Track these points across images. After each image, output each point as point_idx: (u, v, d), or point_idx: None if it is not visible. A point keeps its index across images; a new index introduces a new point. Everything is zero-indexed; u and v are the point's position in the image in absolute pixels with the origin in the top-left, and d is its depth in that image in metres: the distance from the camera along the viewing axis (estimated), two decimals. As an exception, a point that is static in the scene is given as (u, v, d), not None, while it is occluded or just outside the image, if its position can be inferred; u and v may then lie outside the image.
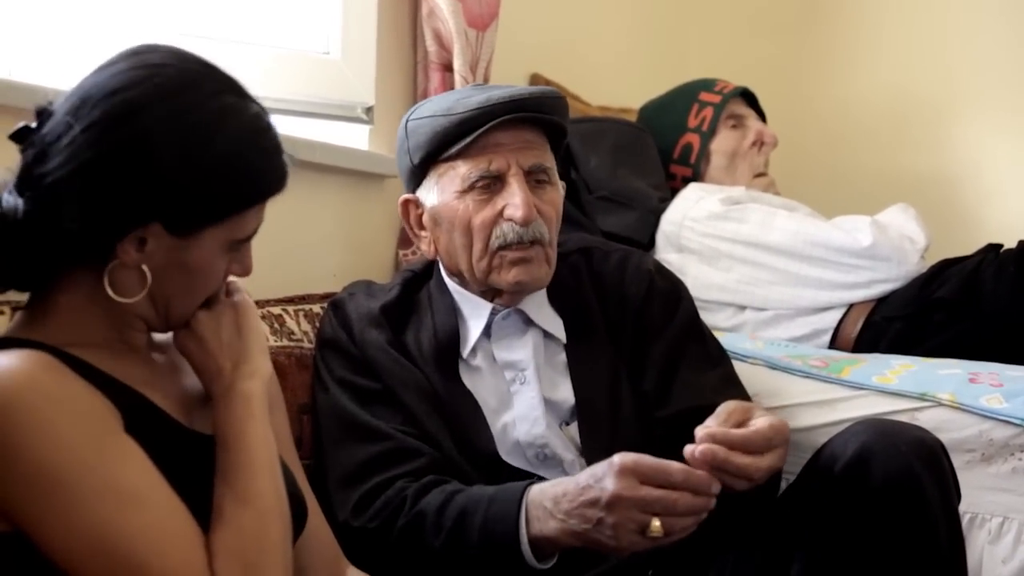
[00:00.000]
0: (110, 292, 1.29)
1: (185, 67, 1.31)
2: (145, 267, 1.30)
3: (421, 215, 1.85)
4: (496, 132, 1.75)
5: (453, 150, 1.76)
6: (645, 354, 1.83)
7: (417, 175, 1.83)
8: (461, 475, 1.69)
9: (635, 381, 1.82)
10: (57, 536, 1.18)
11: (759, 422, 1.49)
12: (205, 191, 1.28)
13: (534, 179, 1.78)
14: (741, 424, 1.50)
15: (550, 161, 1.82)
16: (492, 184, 1.76)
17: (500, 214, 1.76)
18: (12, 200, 1.27)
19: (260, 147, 1.33)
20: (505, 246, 1.76)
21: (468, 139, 1.74)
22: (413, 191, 1.85)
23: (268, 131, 1.35)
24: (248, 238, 1.38)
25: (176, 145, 1.26)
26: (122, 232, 1.27)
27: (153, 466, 1.23)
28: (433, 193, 1.81)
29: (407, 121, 1.83)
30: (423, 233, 1.86)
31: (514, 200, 1.75)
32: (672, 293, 1.90)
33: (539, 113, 1.77)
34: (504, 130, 1.75)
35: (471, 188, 1.77)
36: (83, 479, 1.18)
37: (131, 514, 1.19)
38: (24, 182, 1.27)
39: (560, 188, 1.85)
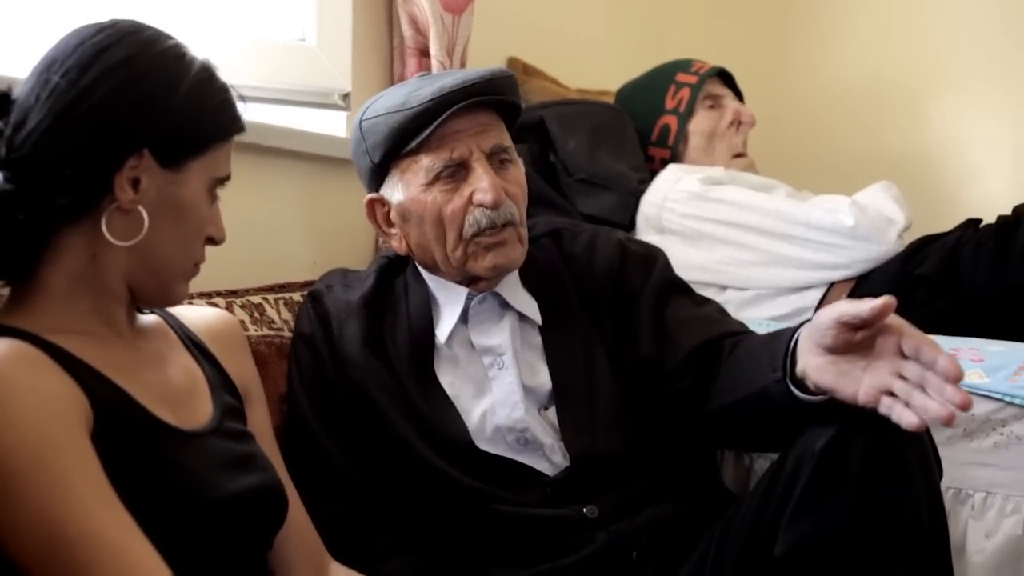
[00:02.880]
0: (109, 237, 1.31)
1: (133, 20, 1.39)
2: (141, 208, 1.32)
3: (388, 212, 1.84)
4: (453, 120, 1.74)
5: (413, 144, 1.76)
6: (633, 317, 1.83)
7: (378, 174, 1.83)
8: (431, 471, 1.71)
9: (627, 354, 1.81)
10: (7, 529, 1.18)
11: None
12: (187, 113, 1.34)
13: (496, 160, 1.79)
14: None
15: (508, 140, 1.82)
16: (456, 172, 1.76)
17: (469, 201, 1.76)
18: None
19: (221, 84, 1.40)
20: (479, 233, 1.76)
21: (427, 131, 1.74)
22: (376, 190, 1.85)
23: (217, 74, 1.41)
24: (225, 179, 1.42)
25: (153, 70, 1.33)
26: (118, 160, 1.30)
27: (105, 478, 1.22)
28: (398, 190, 1.81)
29: (360, 121, 1.82)
30: (392, 231, 1.85)
31: (481, 185, 1.75)
32: (647, 256, 1.91)
33: (492, 95, 1.77)
34: (460, 117, 1.75)
35: (436, 179, 1.76)
36: (36, 476, 1.17)
37: (76, 519, 1.18)
38: (2, 156, 1.29)
39: (521, 165, 1.85)
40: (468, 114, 1.76)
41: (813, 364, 1.47)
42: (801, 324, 1.54)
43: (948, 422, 1.33)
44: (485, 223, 1.76)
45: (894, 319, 1.41)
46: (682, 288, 1.90)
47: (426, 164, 1.77)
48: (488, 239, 1.76)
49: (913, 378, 1.38)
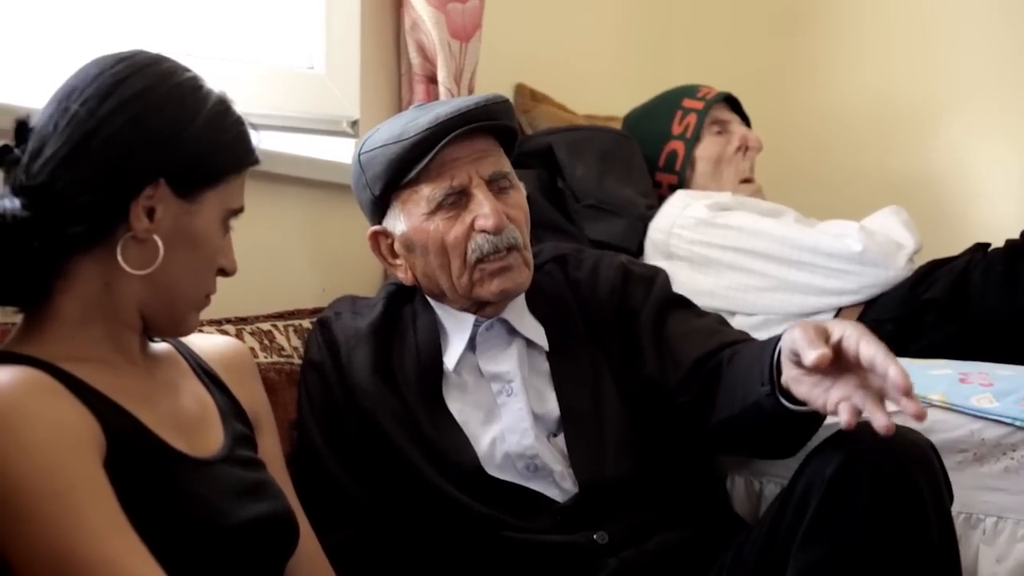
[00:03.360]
0: (124, 265, 1.32)
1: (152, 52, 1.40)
2: (156, 238, 1.33)
3: (392, 244, 1.85)
4: (450, 148, 1.75)
5: (412, 174, 1.77)
6: (636, 336, 1.83)
7: (380, 206, 1.84)
8: (441, 498, 1.71)
9: (633, 375, 1.81)
10: (20, 557, 1.18)
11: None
12: (203, 145, 1.35)
13: (496, 186, 1.79)
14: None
15: (507, 165, 1.83)
16: (458, 200, 1.77)
17: (471, 227, 1.76)
18: (8, 203, 1.29)
19: (237, 116, 1.41)
20: (482, 258, 1.77)
21: (424, 160, 1.75)
22: (379, 222, 1.86)
23: (233, 107, 1.42)
24: (239, 211, 1.43)
25: (170, 102, 1.34)
26: (134, 189, 1.31)
27: (118, 506, 1.22)
28: (400, 221, 1.81)
29: (359, 155, 1.83)
30: (397, 262, 1.86)
31: (483, 211, 1.75)
32: (647, 276, 1.91)
33: (488, 121, 1.78)
34: (457, 144, 1.76)
35: (438, 208, 1.77)
36: (49, 503, 1.18)
37: (89, 546, 1.18)
38: (19, 183, 1.30)
39: (522, 189, 1.86)
40: (465, 141, 1.77)
41: (791, 376, 1.48)
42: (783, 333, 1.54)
43: (887, 431, 1.35)
44: (488, 248, 1.76)
45: (852, 332, 1.40)
46: (682, 303, 1.90)
47: (427, 193, 1.77)
48: (493, 264, 1.77)
49: (875, 387, 1.39)
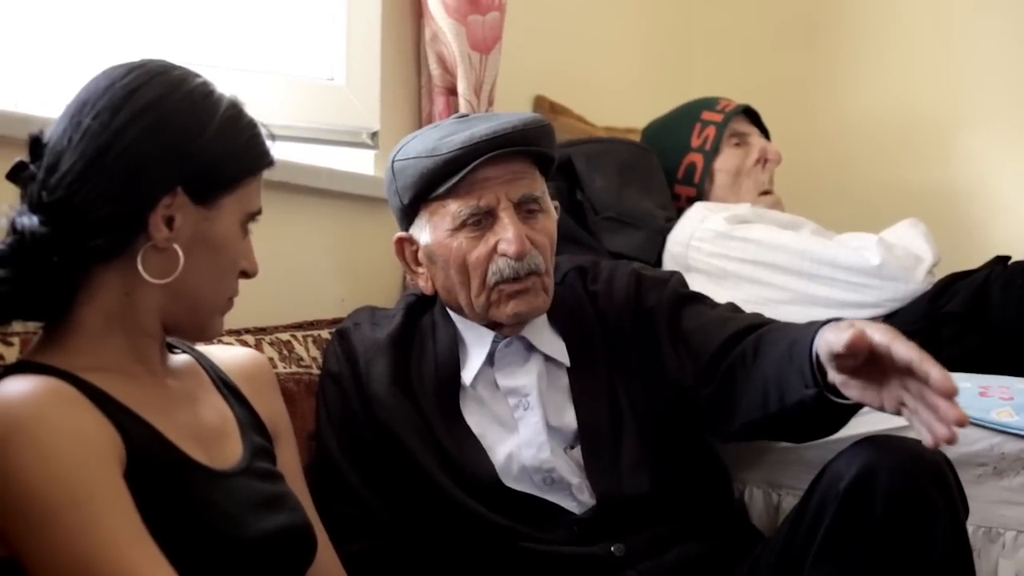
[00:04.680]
0: (145, 275, 1.32)
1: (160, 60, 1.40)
2: (176, 246, 1.33)
3: (416, 252, 1.86)
4: (483, 167, 1.74)
5: (441, 189, 1.76)
6: (654, 337, 1.82)
7: (408, 214, 1.84)
8: (458, 509, 1.71)
9: (654, 379, 1.80)
10: (40, 566, 1.19)
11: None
12: (218, 150, 1.36)
13: (525, 210, 1.78)
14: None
15: (539, 189, 1.81)
16: (483, 220, 1.77)
17: (494, 249, 1.76)
18: (27, 220, 1.29)
19: (249, 119, 1.41)
20: (502, 281, 1.76)
21: (455, 179, 1.74)
22: (406, 229, 1.86)
23: (245, 110, 1.42)
24: (257, 213, 1.44)
25: (183, 110, 1.34)
26: (152, 199, 1.31)
27: (138, 517, 1.23)
28: (426, 232, 1.82)
29: (393, 161, 1.83)
30: (420, 270, 1.86)
31: (507, 235, 1.75)
32: (661, 278, 1.90)
33: (523, 146, 1.77)
34: (491, 164, 1.75)
35: (463, 226, 1.77)
36: (69, 513, 1.18)
37: (109, 557, 1.18)
38: (37, 200, 1.30)
39: (553, 213, 1.85)
40: (500, 162, 1.75)
41: (838, 380, 1.46)
42: (813, 334, 1.52)
43: (950, 441, 1.32)
44: (509, 273, 1.76)
45: (880, 334, 1.38)
46: (695, 298, 1.88)
47: (453, 210, 1.77)
48: (511, 287, 1.77)
49: (914, 392, 1.36)
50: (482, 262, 1.77)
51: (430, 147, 1.77)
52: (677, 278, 1.92)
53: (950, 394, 1.31)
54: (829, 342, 1.42)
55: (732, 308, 1.87)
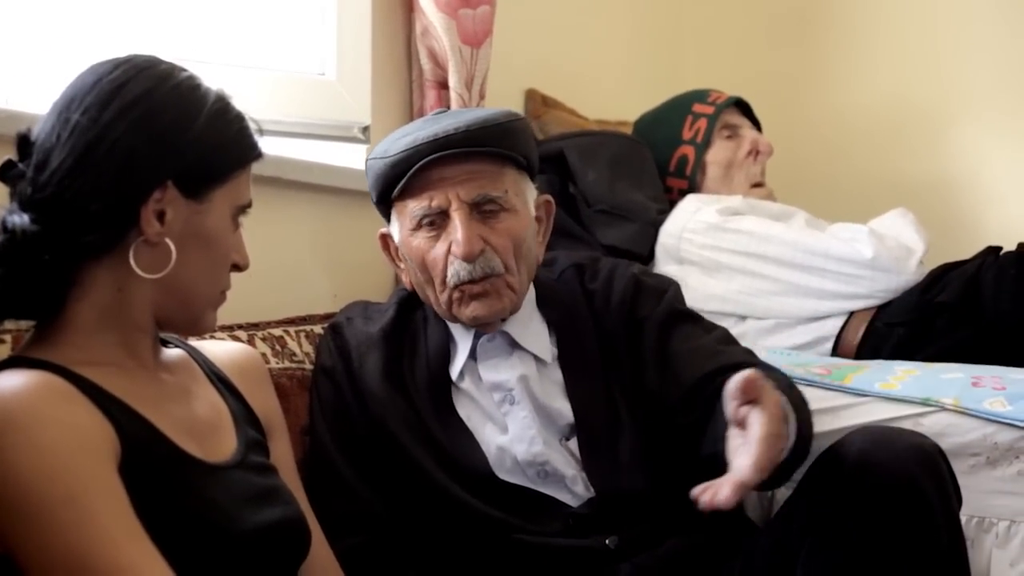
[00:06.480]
0: (137, 270, 1.32)
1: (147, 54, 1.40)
2: (168, 241, 1.33)
3: (396, 248, 1.86)
4: (438, 167, 1.73)
5: (395, 191, 1.77)
6: (641, 348, 1.82)
7: (383, 211, 1.85)
8: (452, 502, 1.71)
9: (637, 387, 1.80)
10: (34, 561, 1.19)
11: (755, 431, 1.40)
12: (207, 143, 1.35)
13: (481, 210, 1.75)
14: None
15: (500, 188, 1.76)
16: (438, 220, 1.75)
17: (449, 250, 1.75)
18: (17, 219, 1.29)
19: (237, 112, 1.41)
20: (461, 283, 1.75)
21: (402, 182, 1.75)
22: (388, 223, 1.87)
23: (232, 103, 1.42)
24: (247, 206, 1.44)
25: (171, 104, 1.34)
26: (143, 193, 1.31)
27: (132, 511, 1.22)
28: (396, 229, 1.83)
29: (366, 161, 1.84)
30: (402, 265, 1.87)
31: (456, 237, 1.73)
32: (658, 288, 1.89)
33: (467, 147, 1.73)
34: (444, 165, 1.73)
35: (419, 226, 1.77)
36: (64, 508, 1.18)
37: (103, 552, 1.18)
38: (27, 198, 1.30)
39: (524, 211, 1.80)
40: (453, 162, 1.73)
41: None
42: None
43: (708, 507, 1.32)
44: (464, 275, 1.74)
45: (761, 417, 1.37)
46: (688, 317, 1.87)
47: (410, 209, 1.77)
48: (471, 288, 1.75)
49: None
50: (439, 262, 1.76)
51: (385, 148, 1.78)
52: (674, 290, 1.90)
53: (738, 485, 1.31)
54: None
55: (725, 338, 1.85)
